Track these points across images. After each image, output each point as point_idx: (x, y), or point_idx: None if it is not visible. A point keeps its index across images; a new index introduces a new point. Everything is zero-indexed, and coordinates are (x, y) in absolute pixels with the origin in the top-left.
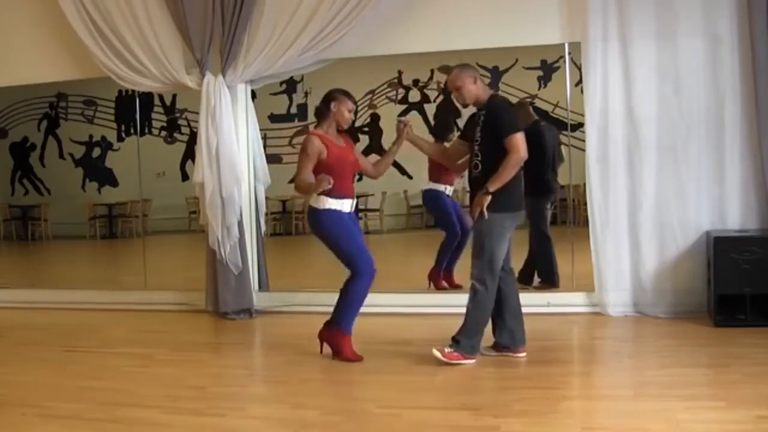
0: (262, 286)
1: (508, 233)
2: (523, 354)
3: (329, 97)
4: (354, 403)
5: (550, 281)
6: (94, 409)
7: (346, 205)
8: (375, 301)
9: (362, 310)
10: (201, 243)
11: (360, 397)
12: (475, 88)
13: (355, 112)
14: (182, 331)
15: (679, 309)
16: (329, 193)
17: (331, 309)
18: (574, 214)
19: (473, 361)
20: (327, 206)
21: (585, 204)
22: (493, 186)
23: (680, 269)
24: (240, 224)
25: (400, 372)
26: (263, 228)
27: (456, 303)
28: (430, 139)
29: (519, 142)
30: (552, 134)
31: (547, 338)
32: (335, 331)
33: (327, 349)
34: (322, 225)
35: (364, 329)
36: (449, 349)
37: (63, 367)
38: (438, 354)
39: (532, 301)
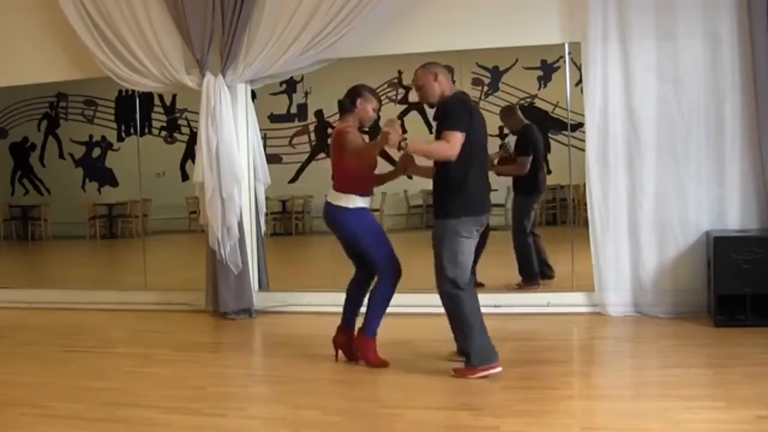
0: (262, 286)
1: (466, 238)
2: None
3: (355, 93)
4: (354, 403)
5: (531, 279)
6: (94, 409)
7: (368, 203)
8: None
9: (363, 309)
10: (201, 243)
11: (360, 397)
12: (437, 86)
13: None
14: (182, 331)
15: (679, 309)
16: (359, 192)
17: (332, 309)
18: (574, 214)
19: (498, 368)
20: (358, 205)
21: (585, 204)
22: (413, 146)
23: (680, 269)
24: (240, 224)
25: (400, 372)
26: (263, 228)
27: None
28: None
29: (457, 140)
30: (539, 136)
31: (548, 338)
32: (360, 336)
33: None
34: (355, 224)
35: None
36: (463, 366)
37: (63, 367)
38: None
39: (532, 301)
